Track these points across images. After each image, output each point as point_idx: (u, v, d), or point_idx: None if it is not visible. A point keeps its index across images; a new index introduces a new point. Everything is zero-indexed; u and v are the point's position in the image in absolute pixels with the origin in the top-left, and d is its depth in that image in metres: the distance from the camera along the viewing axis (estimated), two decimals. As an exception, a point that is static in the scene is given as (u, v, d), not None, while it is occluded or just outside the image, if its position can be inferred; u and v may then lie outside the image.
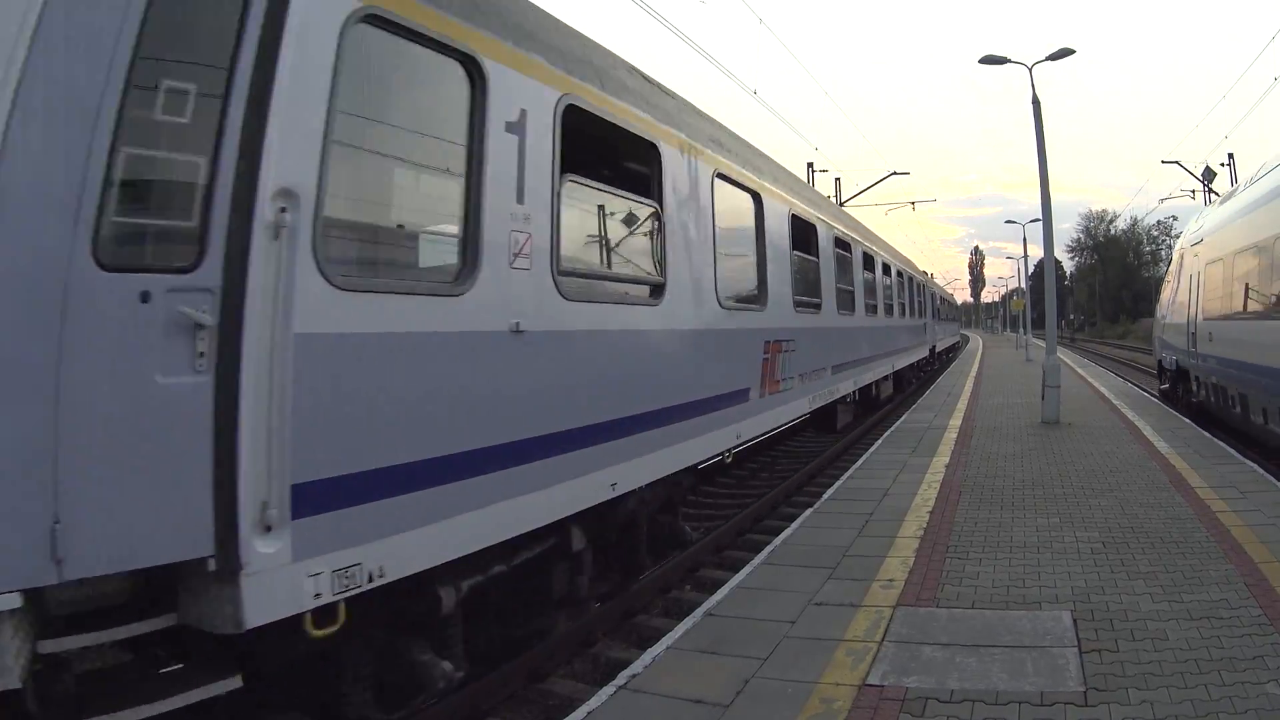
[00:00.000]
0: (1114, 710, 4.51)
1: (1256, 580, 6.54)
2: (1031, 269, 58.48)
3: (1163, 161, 33.88)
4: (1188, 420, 15.95)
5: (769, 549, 7.74)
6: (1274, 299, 11.35)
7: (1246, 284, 12.53)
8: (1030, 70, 17.78)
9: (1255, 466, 11.13)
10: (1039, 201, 17.86)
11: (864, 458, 12.91)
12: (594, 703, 4.80)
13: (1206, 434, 14.13)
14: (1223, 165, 32.14)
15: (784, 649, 5.30)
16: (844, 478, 11.23)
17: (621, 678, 4.97)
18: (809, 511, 9.28)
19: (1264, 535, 7.74)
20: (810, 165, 35.59)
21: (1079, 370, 29.63)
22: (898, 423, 17.34)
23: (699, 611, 6.12)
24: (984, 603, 6.26)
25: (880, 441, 14.52)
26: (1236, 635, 5.48)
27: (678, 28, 28.31)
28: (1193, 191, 36.06)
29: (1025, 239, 49.37)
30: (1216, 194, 27.05)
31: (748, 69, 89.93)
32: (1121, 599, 6.24)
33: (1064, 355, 39.77)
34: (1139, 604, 6.13)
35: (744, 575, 6.94)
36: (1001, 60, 17.69)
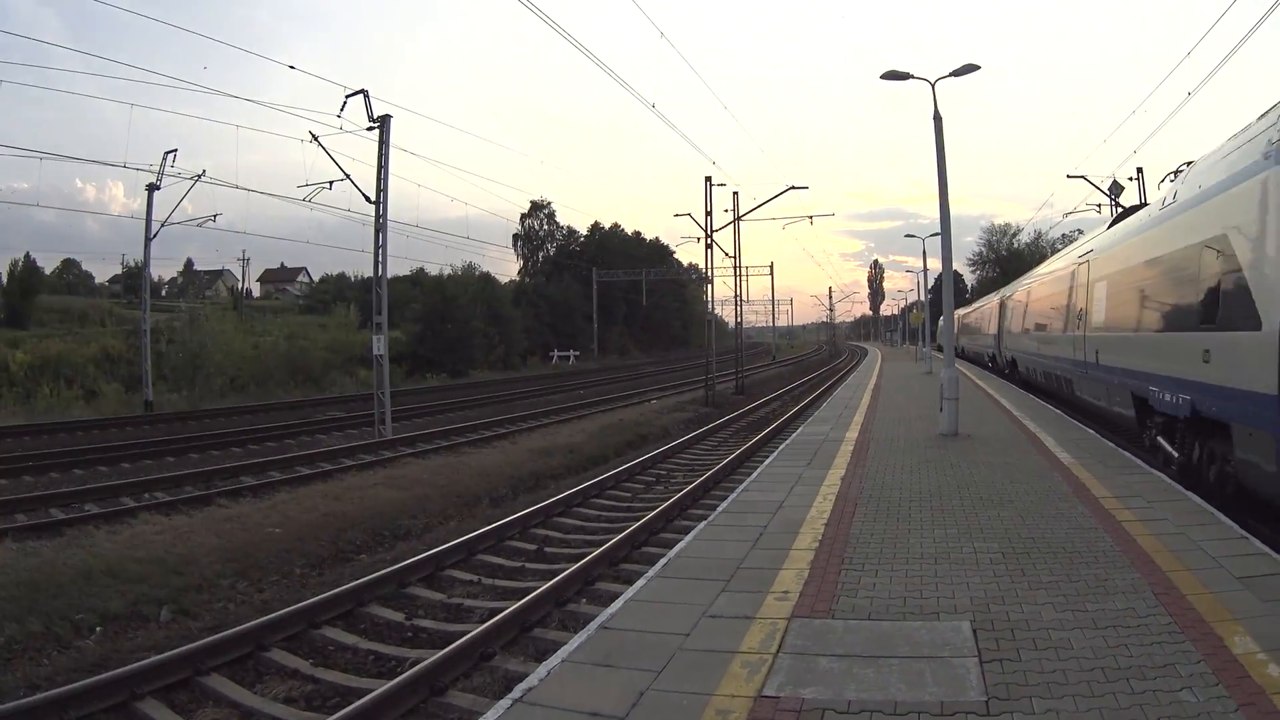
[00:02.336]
0: (1017, 719, 4.63)
1: (1166, 588, 6.82)
2: (932, 282, 60.96)
3: (1068, 176, 35.74)
4: (1092, 431, 16.86)
5: (663, 562, 7.97)
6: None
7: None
8: (933, 86, 18.55)
9: (1163, 476, 11.72)
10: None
11: (759, 470, 13.31)
12: (491, 715, 5.01)
13: (1110, 444, 14.89)
14: (1131, 180, 34.42)
15: (679, 661, 5.49)
16: (738, 490, 11.61)
17: (518, 690, 5.19)
18: (703, 524, 9.54)
19: (1172, 544, 8.10)
20: (708, 179, 36.97)
21: (980, 382, 30.79)
22: (794, 435, 18.01)
23: (594, 624, 6.33)
24: (881, 614, 6.46)
25: (776, 454, 15.00)
26: (1146, 643, 5.70)
27: (578, 40, 28.45)
28: (1098, 205, 38.13)
29: (925, 252, 51.56)
30: (1122, 207, 28.70)
31: (647, 82, 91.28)
32: (1023, 608, 6.47)
33: (964, 368, 41.59)
34: (1041, 613, 6.35)
35: (638, 588, 7.15)
36: (904, 76, 18.45)
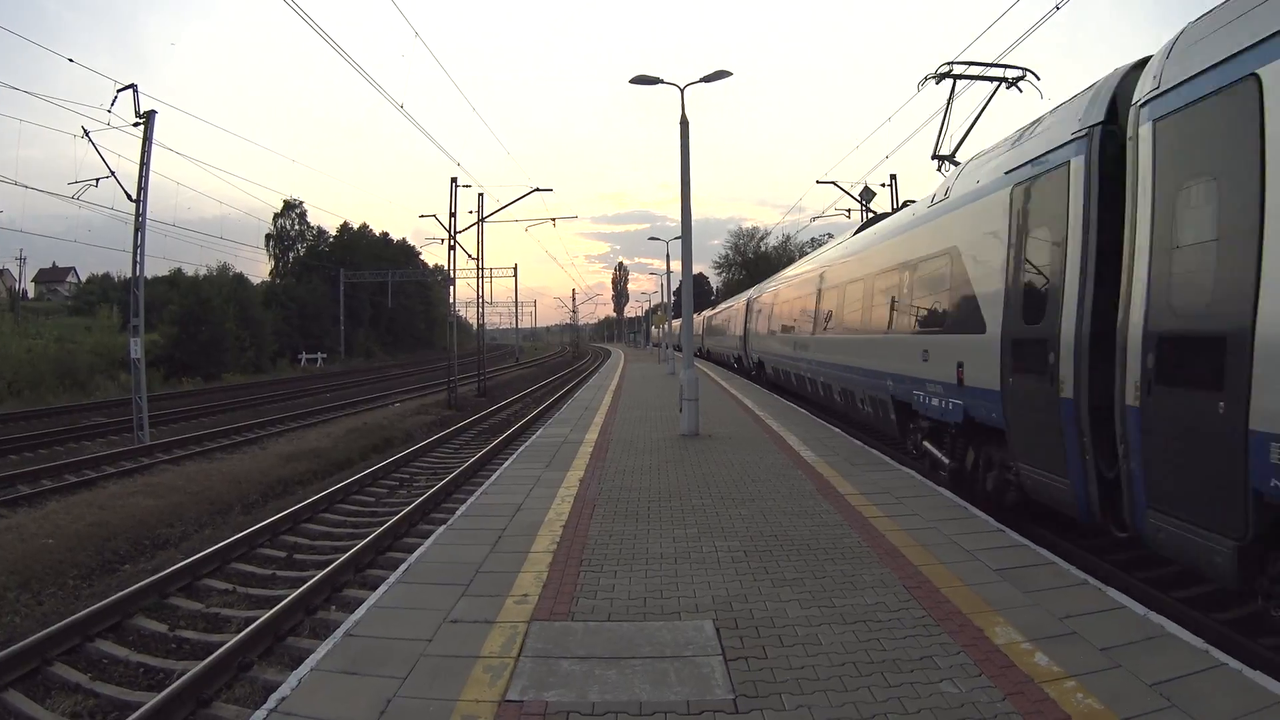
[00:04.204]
0: (768, 716, 4.70)
1: (918, 582, 7.14)
2: (676, 284, 63.16)
3: (818, 181, 37.85)
4: (838, 430, 17.84)
5: (404, 567, 8.12)
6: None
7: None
8: (682, 91, 19.37)
9: (912, 473, 12.50)
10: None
11: (499, 473, 13.50)
12: (248, 727, 5.05)
13: (857, 442, 15.78)
14: (883, 185, 36.79)
15: (422, 668, 5.63)
16: (478, 493, 11.83)
17: (272, 701, 5.27)
18: (443, 528, 9.70)
19: (923, 539, 8.55)
20: (453, 181, 37.94)
21: (724, 384, 31.97)
22: (534, 437, 18.29)
23: (339, 632, 6.43)
24: (621, 615, 6.56)
25: (515, 457, 15.20)
26: (899, 637, 5.91)
27: (332, 36, 27.42)
28: (848, 211, 40.60)
29: (669, 255, 53.21)
30: (873, 212, 30.61)
31: (400, 83, 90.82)
32: (767, 606, 6.63)
33: (709, 370, 43.18)
34: (786, 610, 6.52)
35: (380, 594, 7.27)
36: (654, 81, 19.15)
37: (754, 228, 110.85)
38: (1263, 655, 6.66)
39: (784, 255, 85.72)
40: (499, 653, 5.81)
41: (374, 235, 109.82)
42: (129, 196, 25.08)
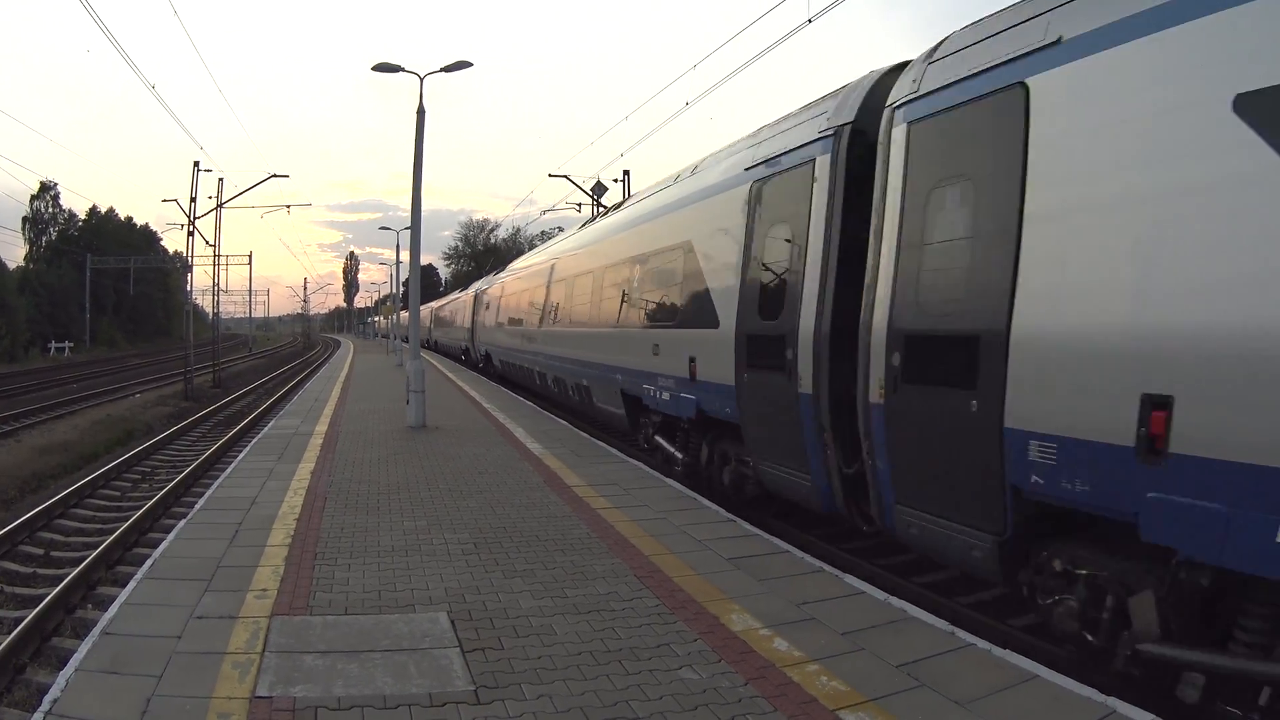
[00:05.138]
0: (510, 706, 4.71)
1: (649, 572, 7.32)
2: (406, 275, 61.87)
3: (550, 175, 38.47)
4: (564, 422, 18.13)
5: (149, 563, 7.84)
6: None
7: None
8: (422, 80, 19.33)
9: (640, 464, 12.82)
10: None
11: (233, 465, 13.33)
12: (20, 731, 4.83)
13: (584, 435, 16.05)
14: (616, 181, 37.76)
15: (176, 665, 5.49)
16: (214, 486, 11.61)
17: (46, 703, 5.09)
18: (184, 522, 9.40)
19: (653, 529, 8.79)
20: (196, 164, 36.68)
21: (450, 375, 31.75)
22: (265, 429, 18.09)
23: (96, 630, 6.20)
24: (357, 608, 6.47)
25: (249, 449, 15.02)
26: (634, 626, 6.04)
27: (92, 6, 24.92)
28: (579, 205, 41.24)
29: (399, 245, 52.32)
30: (605, 207, 31.11)
31: (157, 62, 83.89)
32: (499, 597, 6.66)
33: (435, 360, 42.65)
34: (519, 601, 6.56)
35: (130, 591, 7.03)
36: (395, 68, 19.03)
37: (485, 220, 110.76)
38: (1012, 634, 6.95)
39: (514, 247, 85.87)
40: (244, 649, 5.70)
41: (120, 220, 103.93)
42: None
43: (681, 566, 7.46)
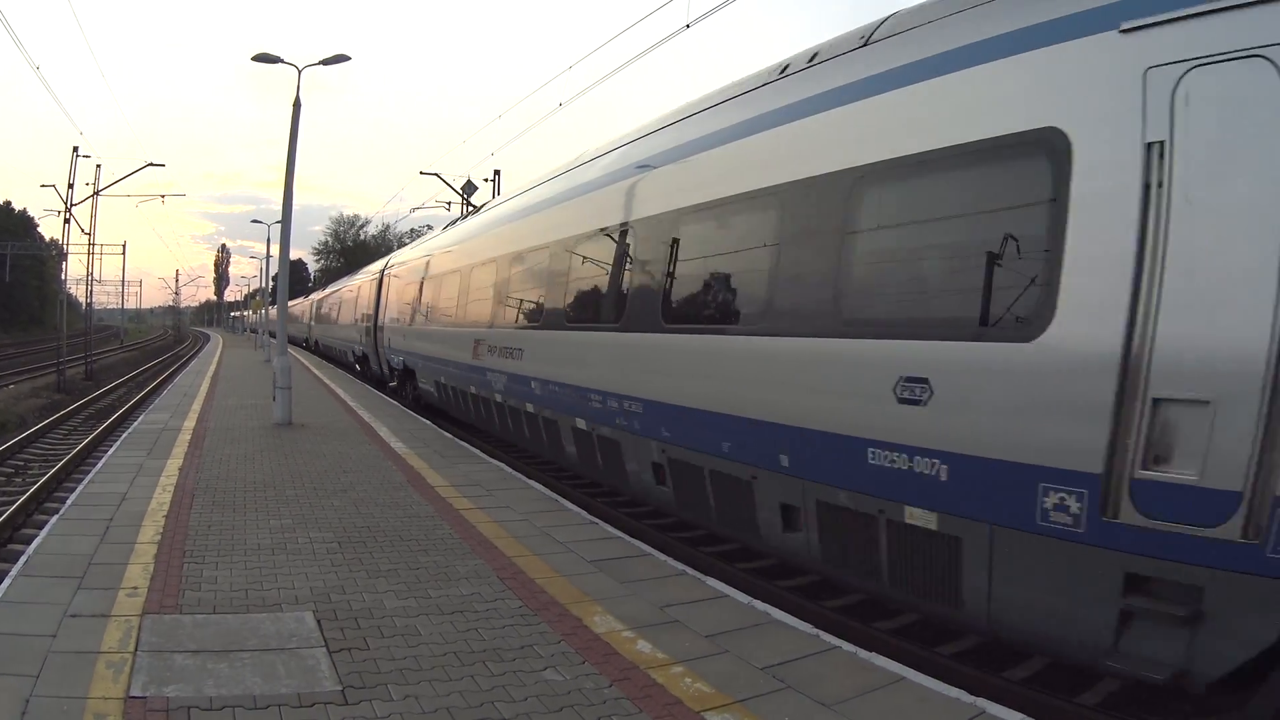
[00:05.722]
0: (378, 707, 4.80)
1: (512, 573, 7.49)
2: (275, 269, 60.22)
3: (421, 172, 38.33)
4: (428, 422, 18.11)
5: (24, 559, 7.69)
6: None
7: None
8: (300, 72, 19.16)
9: (502, 465, 12.98)
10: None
11: (104, 460, 13.10)
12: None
13: (448, 434, 16.11)
14: (487, 180, 37.80)
15: (52, 664, 5.40)
16: (86, 481, 11.42)
17: None
18: (56, 518, 9.24)
19: (515, 530, 8.98)
20: (75, 150, 36.84)
21: (316, 372, 31.35)
22: (135, 423, 17.86)
23: None
24: (225, 607, 6.46)
25: (119, 444, 14.78)
26: (498, 627, 6.20)
27: None
28: (448, 203, 41.12)
29: (269, 239, 51.20)
30: (474, 206, 30.98)
31: (41, 42, 79.16)
32: (364, 597, 6.75)
33: (302, 357, 41.80)
34: (383, 601, 6.67)
35: (5, 588, 6.90)
36: (274, 59, 18.85)
37: (355, 215, 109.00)
38: (877, 637, 6.83)
39: (383, 244, 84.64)
40: (117, 648, 5.64)
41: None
42: None
43: (544, 568, 7.65)
